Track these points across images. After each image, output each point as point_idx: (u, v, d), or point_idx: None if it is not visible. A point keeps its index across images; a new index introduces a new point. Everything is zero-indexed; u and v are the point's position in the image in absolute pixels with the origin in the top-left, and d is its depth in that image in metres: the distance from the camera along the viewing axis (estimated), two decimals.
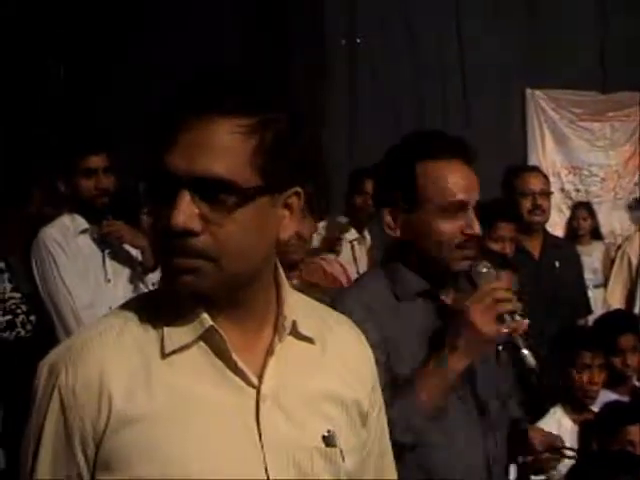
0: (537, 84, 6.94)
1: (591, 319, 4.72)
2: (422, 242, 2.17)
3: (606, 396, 3.88)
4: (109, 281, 3.69)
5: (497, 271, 2.19)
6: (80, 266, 3.65)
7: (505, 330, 2.06)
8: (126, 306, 1.37)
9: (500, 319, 2.05)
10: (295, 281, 3.13)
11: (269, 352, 1.34)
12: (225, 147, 1.24)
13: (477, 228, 2.17)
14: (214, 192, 1.23)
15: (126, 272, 3.74)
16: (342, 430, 1.37)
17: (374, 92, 6.32)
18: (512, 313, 2.07)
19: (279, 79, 5.50)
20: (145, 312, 1.33)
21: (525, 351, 2.08)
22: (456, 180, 2.16)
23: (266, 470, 1.29)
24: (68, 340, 1.39)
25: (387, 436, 1.54)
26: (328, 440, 1.35)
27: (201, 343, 1.31)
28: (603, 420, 3.60)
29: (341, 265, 3.79)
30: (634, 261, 4.70)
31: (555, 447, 2.33)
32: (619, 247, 5.01)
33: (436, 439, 2.12)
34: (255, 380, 1.32)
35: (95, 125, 4.31)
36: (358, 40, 6.30)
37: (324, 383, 1.39)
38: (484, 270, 2.14)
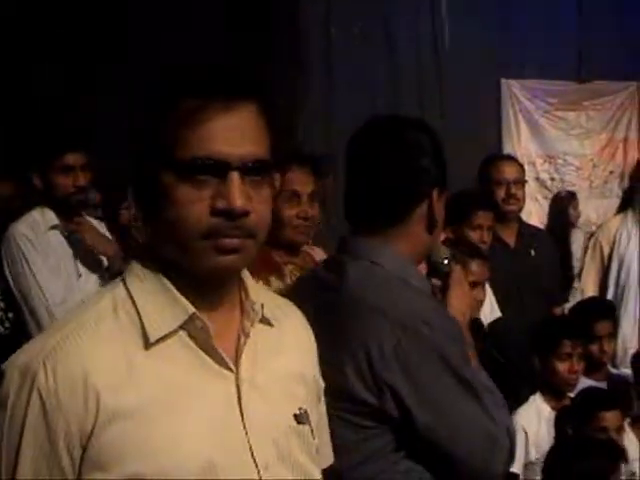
0: (512, 74, 6.96)
1: (567, 307, 4.77)
2: (435, 232, 2.07)
3: (582, 382, 3.91)
4: (80, 276, 3.66)
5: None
6: (52, 261, 3.60)
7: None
8: (95, 300, 1.35)
9: None
10: (291, 267, 3.17)
11: (242, 336, 1.36)
12: (256, 130, 1.32)
13: None
14: (257, 173, 1.30)
15: (97, 267, 3.71)
16: (308, 408, 1.42)
17: (349, 84, 6.32)
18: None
19: (256, 66, 5.50)
20: (117, 303, 1.32)
21: None
22: None
23: (252, 452, 1.31)
24: (37, 341, 1.32)
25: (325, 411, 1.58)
26: (300, 418, 1.40)
27: (180, 330, 1.32)
28: (578, 406, 3.63)
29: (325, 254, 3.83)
30: (606, 250, 4.71)
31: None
32: (591, 235, 5.04)
33: None
34: (232, 365, 1.34)
35: (75, 122, 4.28)
36: (333, 30, 6.29)
37: (288, 364, 1.44)
38: (445, 262, 2.18)
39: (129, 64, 5.65)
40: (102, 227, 3.88)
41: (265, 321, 1.42)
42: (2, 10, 5.48)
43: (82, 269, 3.67)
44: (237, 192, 1.27)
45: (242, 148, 1.28)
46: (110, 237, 3.84)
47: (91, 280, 3.67)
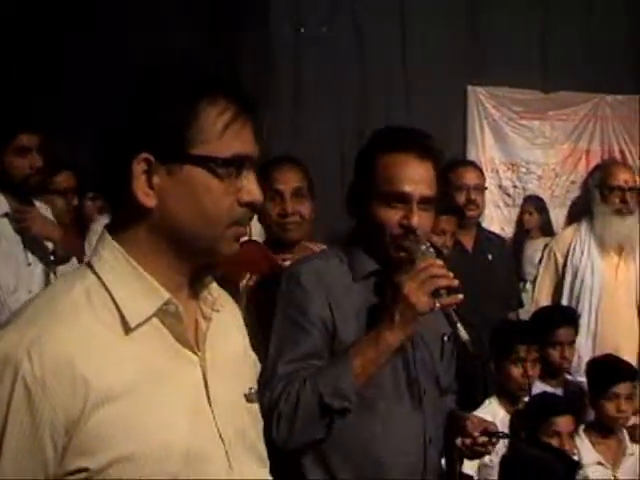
0: (478, 81, 7.00)
1: (521, 312, 4.81)
2: (369, 227, 2.29)
3: (538, 387, 3.95)
4: (30, 264, 3.58)
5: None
6: (3, 249, 3.53)
7: (437, 304, 2.15)
8: (64, 288, 1.35)
9: (435, 294, 2.14)
10: (289, 262, 3.17)
11: (204, 321, 1.43)
12: None
13: (415, 222, 2.23)
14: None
15: (44, 256, 3.65)
16: (254, 387, 1.52)
17: (318, 87, 6.33)
18: (448, 289, 2.14)
19: (226, 68, 5.48)
20: (89, 291, 1.33)
21: (459, 324, 2.15)
22: (402, 172, 2.25)
23: (219, 432, 1.39)
24: (12, 331, 1.28)
25: None
26: (250, 397, 1.49)
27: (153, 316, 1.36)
28: (532, 410, 3.67)
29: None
30: (560, 259, 4.74)
31: (489, 431, 2.38)
32: (546, 245, 5.06)
33: (369, 415, 2.23)
34: (196, 349, 1.40)
35: (31, 104, 4.12)
36: (302, 30, 6.28)
37: (235, 345, 1.54)
38: (422, 247, 2.22)
39: (97, 48, 5.60)
40: (47, 211, 3.80)
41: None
42: None
43: (31, 258, 3.60)
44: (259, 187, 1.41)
45: (255, 148, 1.42)
46: (55, 221, 3.77)
47: (39, 268, 3.60)
